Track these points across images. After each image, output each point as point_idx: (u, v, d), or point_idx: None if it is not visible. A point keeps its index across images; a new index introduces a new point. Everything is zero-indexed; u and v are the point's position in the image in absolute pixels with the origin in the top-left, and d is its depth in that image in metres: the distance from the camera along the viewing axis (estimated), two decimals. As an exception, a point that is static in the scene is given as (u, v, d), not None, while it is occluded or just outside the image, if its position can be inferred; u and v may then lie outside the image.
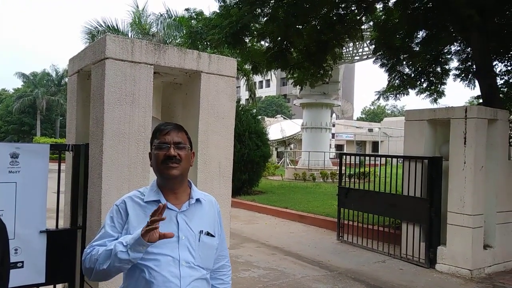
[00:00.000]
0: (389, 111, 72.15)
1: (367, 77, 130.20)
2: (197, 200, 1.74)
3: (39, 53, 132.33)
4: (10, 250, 1.57)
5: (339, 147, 37.86)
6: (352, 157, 7.82)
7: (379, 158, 9.95)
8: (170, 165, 1.63)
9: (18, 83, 55.05)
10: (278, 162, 28.85)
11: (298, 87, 11.80)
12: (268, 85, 60.68)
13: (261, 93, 56.30)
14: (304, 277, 5.44)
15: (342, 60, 15.95)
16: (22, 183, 2.54)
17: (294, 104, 22.96)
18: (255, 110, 16.35)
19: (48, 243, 2.62)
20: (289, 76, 9.71)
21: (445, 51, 9.71)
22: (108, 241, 1.61)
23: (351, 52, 18.04)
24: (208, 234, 1.71)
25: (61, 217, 2.89)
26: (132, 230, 1.59)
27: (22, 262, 2.52)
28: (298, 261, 6.20)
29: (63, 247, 2.71)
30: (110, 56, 2.65)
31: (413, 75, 9.86)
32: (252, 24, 7.98)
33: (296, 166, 20.86)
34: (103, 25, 20.26)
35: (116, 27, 20.37)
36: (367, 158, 11.20)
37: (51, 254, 2.62)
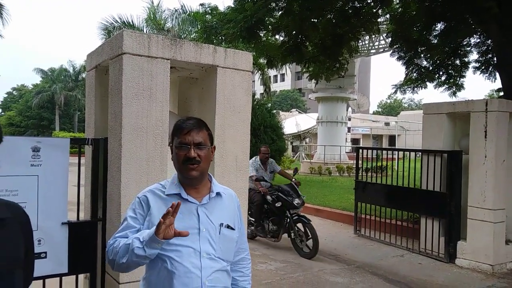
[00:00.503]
0: (406, 105, 71.08)
1: (383, 70, 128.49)
2: (217, 193, 1.75)
3: (39, 53, 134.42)
4: (34, 241, 1.61)
5: (355, 141, 37.54)
6: (369, 151, 7.75)
7: (396, 152, 9.83)
8: (190, 166, 1.63)
9: (37, 79, 56.12)
10: (293, 156, 28.78)
11: (313, 81, 11.71)
12: (282, 79, 60.44)
13: (276, 87, 56.14)
14: (321, 270, 5.44)
15: (358, 54, 15.76)
16: (43, 176, 2.60)
17: (309, 98, 22.80)
18: (270, 104, 16.34)
19: (70, 235, 2.68)
20: (304, 70, 9.65)
21: (464, 43, 9.49)
22: (130, 232, 1.65)
23: (367, 45, 17.82)
24: (228, 227, 1.72)
25: (81, 210, 2.95)
26: (154, 222, 1.62)
27: (45, 252, 2.59)
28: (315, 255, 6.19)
29: (84, 238, 2.77)
30: (127, 51, 2.68)
31: (431, 68, 9.68)
32: (266, 18, 7.95)
33: (311, 160, 20.79)
34: (118, 21, 20.47)
35: (131, 23, 20.56)
36: (384, 152, 11.09)
37: (73, 245, 2.68)
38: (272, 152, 13.09)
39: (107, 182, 2.88)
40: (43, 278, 2.58)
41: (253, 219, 6.50)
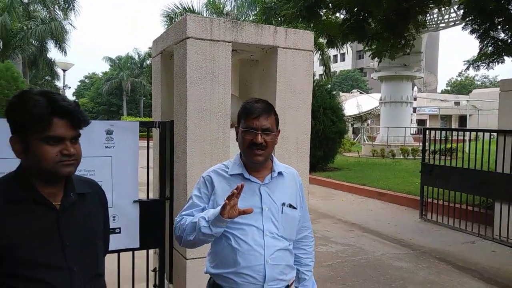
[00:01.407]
0: (479, 82, 65.86)
1: (453, 45, 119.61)
2: (279, 173, 1.76)
3: (108, 42, 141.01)
4: (109, 217, 1.73)
5: (421, 122, 35.62)
6: (437, 132, 7.32)
7: (467, 132, 9.20)
8: (256, 151, 1.64)
9: (106, 67, 59.53)
10: (354, 139, 28.08)
11: (376, 59, 11.20)
12: (343, 59, 58.64)
13: (336, 67, 54.66)
14: (384, 254, 5.32)
15: (426, 29, 14.75)
16: (116, 157, 2.78)
17: (372, 78, 21.96)
18: (329, 85, 15.97)
19: (141, 212, 2.85)
20: (367, 48, 9.26)
21: (550, 11, 8.50)
22: (195, 211, 1.71)
23: (435, 19, 16.64)
24: (290, 206, 1.74)
25: (150, 189, 3.12)
26: (219, 201, 1.67)
27: (120, 228, 2.78)
28: (378, 239, 6.06)
29: (153, 216, 2.93)
30: (190, 35, 2.74)
31: (509, 40, 8.82)
32: (327, -4, 7.71)
33: (373, 143, 20.15)
34: (179, 7, 20.99)
35: (192, 8, 20.99)
36: (453, 133, 10.43)
37: (143, 222, 2.85)
38: (332, 135, 12.85)
39: (174, 163, 3.01)
40: (118, 251, 2.78)
41: None
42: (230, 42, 2.87)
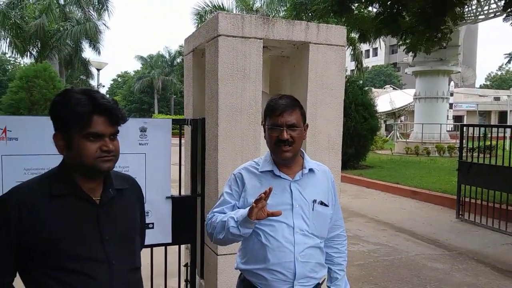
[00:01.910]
0: (521, 76, 62.75)
1: (494, 37, 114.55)
2: (310, 170, 1.74)
3: (139, 41, 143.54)
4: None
5: (458, 118, 34.37)
6: (476, 129, 7.03)
7: (508, 129, 8.79)
8: (283, 148, 1.63)
9: (138, 66, 60.96)
10: (387, 136, 27.44)
11: (410, 54, 10.89)
12: (375, 54, 57.35)
13: (368, 62, 53.54)
14: (418, 255, 5.17)
15: (463, 21, 14.17)
16: (150, 154, 2.83)
17: (406, 73, 21.35)
18: (361, 81, 15.69)
19: (173, 208, 2.89)
20: (401, 42, 9.01)
21: None
22: (226, 208, 1.72)
23: (474, 10, 15.96)
24: (321, 203, 1.71)
25: (182, 186, 3.17)
26: (249, 198, 1.68)
27: (153, 223, 2.84)
28: (411, 238, 5.91)
29: (185, 212, 2.97)
30: (222, 33, 2.74)
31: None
32: (360, -11, 7.55)
33: (407, 140, 19.64)
34: (209, 5, 21.17)
35: (221, 6, 21.13)
36: (493, 129, 10.00)
37: (176, 218, 2.90)
38: (364, 132, 12.61)
39: (205, 160, 3.03)
40: (151, 246, 2.84)
41: None
42: (261, 39, 2.85)
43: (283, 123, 1.62)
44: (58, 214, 1.32)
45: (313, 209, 1.68)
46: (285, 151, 1.63)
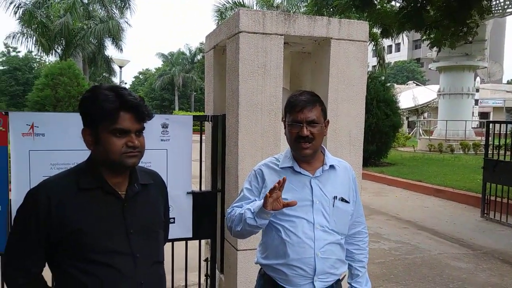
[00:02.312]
0: (551, 71, 60.40)
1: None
2: (331, 166, 1.73)
3: (160, 38, 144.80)
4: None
5: (483, 115, 33.43)
6: (502, 126, 6.83)
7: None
8: (302, 145, 1.63)
9: (159, 63, 61.60)
10: (409, 133, 26.96)
11: (435, 49, 10.66)
12: (398, 50, 56.28)
13: (390, 58, 52.61)
14: (441, 253, 5.08)
15: (491, 14, 13.73)
16: (171, 150, 2.87)
17: (429, 69, 20.89)
18: (383, 77, 15.44)
19: (194, 203, 2.93)
20: (425, 37, 8.83)
21: None
22: (245, 203, 1.73)
23: (502, 3, 15.44)
24: (342, 200, 1.70)
25: (202, 182, 3.19)
26: None
27: (174, 218, 2.87)
28: (434, 237, 5.80)
29: (206, 207, 3.00)
30: (243, 29, 2.75)
31: None
32: (382, -16, 7.42)
33: (430, 137, 19.25)
34: (230, 1, 21.21)
35: (242, 3, 21.13)
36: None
37: (196, 213, 2.93)
38: (386, 128, 12.41)
39: (225, 156, 3.05)
40: (172, 240, 2.88)
41: None
42: (282, 35, 2.84)
43: (303, 120, 1.62)
44: (85, 207, 1.36)
45: (333, 206, 1.68)
46: (304, 148, 1.63)
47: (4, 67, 39.93)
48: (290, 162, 1.71)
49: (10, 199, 2.44)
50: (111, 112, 1.32)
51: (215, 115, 3.09)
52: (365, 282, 1.86)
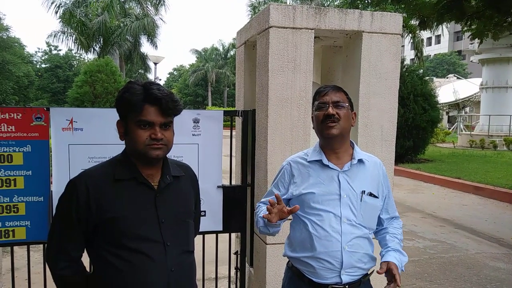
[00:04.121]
0: None
1: None
2: (360, 160, 1.72)
3: (194, 34, 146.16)
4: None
5: (530, 109, 31.64)
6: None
7: None
8: (329, 124, 1.64)
9: (192, 59, 62.40)
10: (449, 128, 25.99)
11: (477, 40, 10.17)
12: (438, 42, 54.21)
13: (430, 51, 50.82)
14: (479, 253, 4.90)
15: (539, 3, 12.96)
16: (202, 144, 2.92)
17: (471, 61, 20.03)
18: (421, 70, 14.93)
19: (224, 197, 2.97)
20: (466, 28, 8.45)
21: None
22: (271, 199, 1.76)
23: (552, -9, 14.54)
24: (370, 194, 1.69)
25: (232, 176, 3.24)
26: (298, 188, 1.71)
27: (204, 211, 2.94)
28: (472, 236, 5.60)
29: (236, 201, 3.04)
30: (273, 24, 2.75)
31: None
32: (419, -27, 7.17)
33: (472, 132, 18.48)
34: (263, -4, 21.17)
35: (276, -3, 21.03)
36: None
37: (226, 207, 2.98)
38: (423, 124, 12.02)
39: (255, 150, 3.08)
40: (203, 233, 2.94)
41: None
42: (312, 29, 2.82)
43: (328, 101, 1.66)
44: (120, 196, 1.43)
45: (361, 200, 1.67)
46: (331, 127, 1.64)
47: (46, 65, 41.82)
48: (318, 156, 1.72)
49: (52, 191, 2.57)
50: (136, 104, 1.40)
51: (245, 110, 3.12)
52: (397, 254, 1.70)
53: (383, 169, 1.80)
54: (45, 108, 2.55)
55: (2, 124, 2.43)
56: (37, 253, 4.08)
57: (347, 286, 1.65)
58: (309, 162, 1.73)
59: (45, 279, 2.62)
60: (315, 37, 2.89)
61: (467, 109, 30.34)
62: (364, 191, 1.68)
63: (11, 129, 2.45)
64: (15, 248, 2.82)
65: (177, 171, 1.58)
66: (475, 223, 6.22)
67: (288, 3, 19.91)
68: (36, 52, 50.31)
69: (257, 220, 1.73)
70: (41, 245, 2.68)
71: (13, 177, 2.49)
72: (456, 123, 25.43)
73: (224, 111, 3.06)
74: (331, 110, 1.64)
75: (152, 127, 1.41)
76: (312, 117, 1.76)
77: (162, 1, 26.03)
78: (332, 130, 1.64)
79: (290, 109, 2.83)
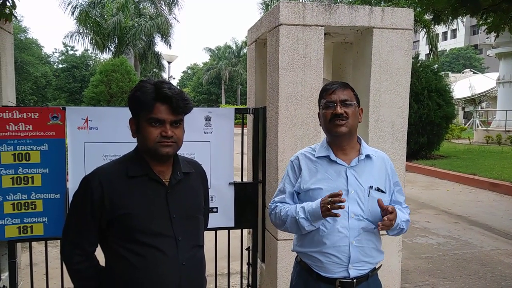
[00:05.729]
0: None
1: None
2: (367, 156, 1.74)
3: (208, 33, 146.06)
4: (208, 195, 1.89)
5: (549, 104, 30.87)
6: None
7: None
8: (338, 123, 1.65)
9: (206, 57, 62.51)
10: (465, 124, 25.56)
11: (493, 34, 9.98)
12: (454, 36, 53.30)
13: (445, 45, 49.98)
14: (494, 250, 4.84)
15: (557, -6, 12.62)
16: (214, 142, 2.96)
17: (488, 55, 19.68)
18: (436, 65, 14.70)
19: (236, 194, 3.01)
20: (481, 22, 8.29)
21: None
22: (287, 198, 1.78)
23: None
24: (378, 189, 1.70)
25: (244, 173, 3.27)
26: (305, 183, 1.73)
27: (217, 208, 2.98)
28: (487, 233, 5.53)
29: (247, 198, 3.07)
30: (283, 22, 2.77)
31: None
32: (433, -33, 7.07)
33: (488, 128, 18.16)
34: (274, -7, 21.11)
35: (288, -6, 20.94)
36: None
37: (238, 203, 3.01)
38: (438, 119, 11.86)
39: (266, 147, 3.10)
40: (215, 229, 2.99)
41: None
42: (322, 26, 2.83)
43: (336, 99, 1.67)
44: (133, 193, 1.48)
45: (368, 195, 1.68)
46: (340, 125, 1.65)
47: (63, 66, 42.47)
48: (326, 151, 1.74)
49: (68, 188, 2.65)
50: (147, 103, 1.44)
51: (256, 108, 3.14)
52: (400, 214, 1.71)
53: (391, 164, 1.81)
54: (61, 108, 2.62)
55: (20, 124, 2.51)
56: (55, 248, 4.19)
57: (355, 280, 1.67)
58: (316, 157, 1.75)
59: (62, 274, 2.70)
60: (325, 34, 2.90)
61: (484, 104, 29.79)
62: (372, 186, 1.70)
63: (29, 128, 2.53)
64: (33, 244, 2.91)
65: (188, 168, 1.62)
66: (490, 219, 6.14)
67: (296, 1, 19.85)
68: (53, 52, 51.14)
69: (295, 220, 1.68)
70: (59, 241, 2.75)
71: (30, 175, 2.57)
72: (472, 119, 25.01)
73: (235, 108, 3.09)
74: (339, 109, 1.65)
75: (163, 125, 1.45)
76: (318, 114, 1.78)
77: (175, 0, 26.20)
78: (341, 128, 1.66)
79: (301, 106, 2.84)
